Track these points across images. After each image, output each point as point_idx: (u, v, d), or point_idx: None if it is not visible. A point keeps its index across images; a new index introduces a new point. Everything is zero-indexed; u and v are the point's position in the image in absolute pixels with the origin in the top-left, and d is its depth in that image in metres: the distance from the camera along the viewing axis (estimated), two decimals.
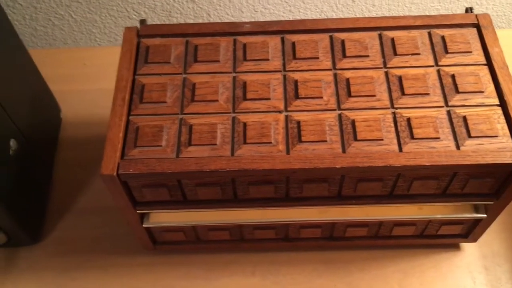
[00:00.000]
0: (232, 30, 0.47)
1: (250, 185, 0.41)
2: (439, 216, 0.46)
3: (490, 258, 0.53)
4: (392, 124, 0.41)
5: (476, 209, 0.46)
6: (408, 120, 0.41)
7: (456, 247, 0.53)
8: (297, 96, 0.43)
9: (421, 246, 0.53)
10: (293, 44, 0.46)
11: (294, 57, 0.45)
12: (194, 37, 0.46)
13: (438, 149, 0.39)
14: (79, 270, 0.54)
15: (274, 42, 0.46)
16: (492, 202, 0.44)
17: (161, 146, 0.40)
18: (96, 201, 0.58)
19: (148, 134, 0.41)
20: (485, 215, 0.46)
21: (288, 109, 0.42)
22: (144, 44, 0.46)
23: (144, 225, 0.47)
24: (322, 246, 0.52)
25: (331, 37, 0.46)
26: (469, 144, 0.39)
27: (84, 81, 0.69)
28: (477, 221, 0.47)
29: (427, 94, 0.42)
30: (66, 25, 0.81)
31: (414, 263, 0.53)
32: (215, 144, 0.40)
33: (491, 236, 0.54)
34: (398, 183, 0.41)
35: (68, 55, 0.73)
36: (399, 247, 0.53)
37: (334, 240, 0.51)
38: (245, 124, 0.41)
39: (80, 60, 0.72)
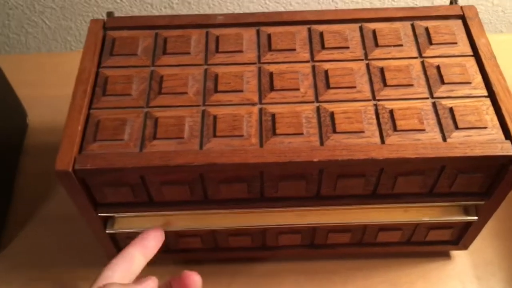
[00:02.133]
0: (204, 22, 0.44)
1: (221, 183, 0.38)
2: (426, 219, 0.43)
3: (483, 267, 0.49)
4: (374, 116, 0.38)
5: (466, 211, 0.43)
6: (391, 111, 0.38)
7: (446, 255, 0.50)
8: (272, 88, 0.40)
9: (409, 255, 0.49)
10: (269, 36, 0.43)
11: (270, 49, 0.42)
12: (164, 30, 0.44)
13: (423, 141, 0.36)
14: (40, 284, 0.50)
15: (248, 34, 0.43)
16: (483, 202, 0.40)
17: (123, 140, 0.37)
18: (61, 210, 0.55)
19: (109, 128, 0.37)
20: (476, 218, 0.42)
21: (263, 101, 0.39)
22: (110, 36, 0.43)
23: (107, 231, 0.43)
24: (303, 255, 0.49)
25: (309, 29, 0.43)
26: (456, 136, 0.36)
27: (54, 86, 0.66)
28: (468, 225, 0.44)
29: (411, 85, 0.39)
30: (40, 32, 0.78)
31: (402, 273, 0.49)
32: (182, 138, 0.37)
33: (482, 244, 0.50)
34: (381, 180, 0.38)
35: (40, 60, 0.70)
36: (386, 256, 0.50)
37: (315, 248, 0.47)
38: (215, 117, 0.38)
39: (52, 66, 0.69)
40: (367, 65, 0.41)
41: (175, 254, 0.48)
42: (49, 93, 0.65)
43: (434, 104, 0.38)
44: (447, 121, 0.37)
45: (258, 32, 0.43)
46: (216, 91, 0.40)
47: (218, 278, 0.49)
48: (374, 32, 0.43)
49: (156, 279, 0.36)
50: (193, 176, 0.37)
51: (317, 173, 0.37)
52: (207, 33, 0.43)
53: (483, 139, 0.36)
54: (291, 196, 0.40)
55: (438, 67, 0.40)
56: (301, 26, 0.44)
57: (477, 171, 0.37)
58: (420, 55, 0.41)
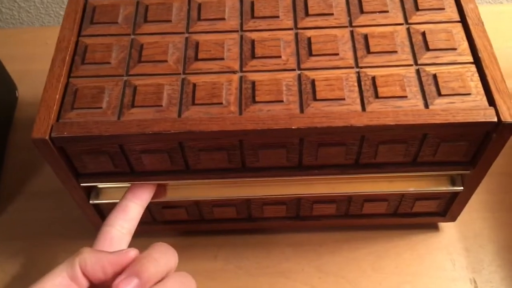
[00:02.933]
0: None
1: (201, 151, 0.37)
2: (411, 189, 0.42)
3: (472, 239, 0.49)
4: (356, 83, 0.37)
5: (452, 182, 0.42)
6: (373, 78, 0.37)
7: (434, 227, 0.50)
8: (253, 56, 0.39)
9: (396, 227, 0.49)
10: (252, 3, 0.42)
11: (252, 16, 0.41)
12: None
13: (405, 108, 0.35)
14: (28, 256, 0.50)
15: (231, 1, 0.42)
16: (468, 172, 0.40)
17: (101, 108, 0.37)
18: (50, 184, 0.55)
19: (88, 96, 0.37)
20: (462, 188, 0.42)
21: (244, 69, 0.38)
22: (91, 4, 0.43)
23: (91, 202, 0.43)
24: (290, 226, 0.48)
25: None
26: (438, 103, 0.36)
27: (46, 60, 0.65)
28: (454, 196, 0.44)
29: (395, 52, 0.38)
30: (32, 7, 0.77)
31: (388, 245, 0.49)
32: (161, 106, 0.36)
33: (471, 216, 0.50)
34: (363, 149, 0.37)
35: (31, 34, 0.70)
36: (373, 228, 0.49)
37: (301, 219, 0.47)
38: (194, 85, 0.37)
39: (44, 40, 0.68)
40: (351, 32, 0.40)
41: (161, 225, 0.48)
42: (40, 67, 0.64)
43: (417, 71, 0.37)
44: (430, 88, 0.36)
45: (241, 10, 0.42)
46: (196, 59, 0.39)
47: (204, 250, 0.49)
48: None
49: (136, 250, 0.36)
50: (172, 145, 0.37)
51: (298, 141, 0.37)
52: (189, 1, 0.43)
53: (466, 105, 0.35)
54: (273, 166, 0.39)
55: (423, 34, 0.39)
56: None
57: (460, 139, 0.36)
58: (406, 22, 0.40)
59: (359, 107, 0.36)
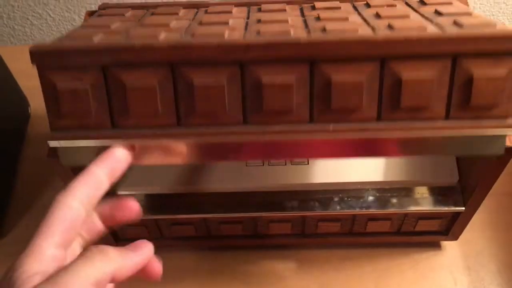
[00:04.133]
0: (196, 6, 0.44)
1: (195, 77, 0.32)
2: (413, 208, 0.39)
3: (473, 258, 0.48)
4: (369, 28, 0.34)
5: (454, 202, 0.38)
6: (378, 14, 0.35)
7: (436, 246, 0.48)
8: (259, 21, 0.37)
9: (399, 245, 0.48)
10: (259, 9, 0.43)
11: (259, 11, 0.41)
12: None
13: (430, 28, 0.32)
14: None
15: (238, 9, 0.43)
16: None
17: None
18: None
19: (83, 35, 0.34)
20: (463, 208, 0.39)
21: (249, 29, 0.36)
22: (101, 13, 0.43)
23: None
24: (295, 243, 0.43)
25: (301, 8, 0.43)
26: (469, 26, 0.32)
27: None
28: (456, 215, 0.41)
29: (407, 16, 0.37)
30: (44, 24, 0.78)
31: (392, 263, 0.47)
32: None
33: (473, 235, 0.49)
34: (385, 85, 0.32)
35: None
36: (377, 246, 0.48)
37: (305, 237, 0.42)
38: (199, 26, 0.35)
39: None
40: (361, 15, 0.39)
41: (169, 241, 0.44)
42: None
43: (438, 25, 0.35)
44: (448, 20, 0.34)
45: (248, 10, 0.43)
46: (200, 24, 0.37)
47: (211, 265, 0.46)
48: (366, 2, 0.42)
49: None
50: (164, 70, 0.32)
51: (307, 72, 0.32)
52: (196, 12, 0.43)
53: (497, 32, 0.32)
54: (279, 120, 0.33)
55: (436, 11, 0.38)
56: (293, 6, 0.43)
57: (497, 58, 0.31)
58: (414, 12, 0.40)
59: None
